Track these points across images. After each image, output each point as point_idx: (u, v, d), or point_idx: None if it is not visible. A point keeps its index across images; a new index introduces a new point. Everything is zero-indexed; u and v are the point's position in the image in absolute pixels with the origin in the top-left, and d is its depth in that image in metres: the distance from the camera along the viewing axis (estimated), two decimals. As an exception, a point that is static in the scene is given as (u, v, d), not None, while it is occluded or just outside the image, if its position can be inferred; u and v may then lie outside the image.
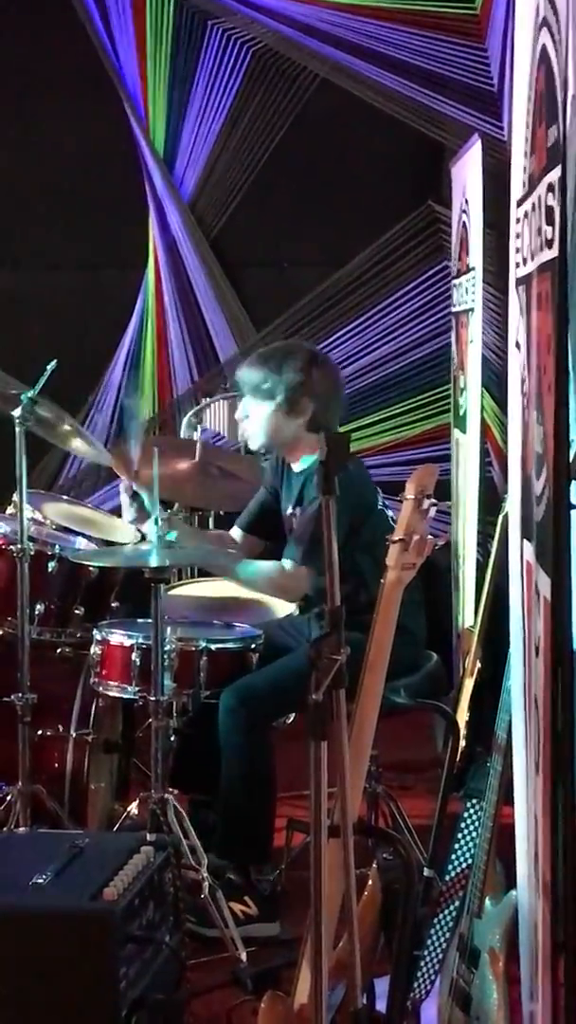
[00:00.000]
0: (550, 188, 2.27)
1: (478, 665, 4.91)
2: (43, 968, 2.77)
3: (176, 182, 6.39)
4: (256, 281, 6.43)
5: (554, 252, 2.22)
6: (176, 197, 6.37)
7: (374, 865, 2.67)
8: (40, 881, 2.88)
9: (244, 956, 3.57)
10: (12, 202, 6.34)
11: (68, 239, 6.37)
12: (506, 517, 4.89)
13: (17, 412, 3.80)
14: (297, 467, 4.13)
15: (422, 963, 3.12)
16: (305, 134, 6.27)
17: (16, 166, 6.34)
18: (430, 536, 2.57)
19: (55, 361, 3.88)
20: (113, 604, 4.43)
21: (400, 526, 2.54)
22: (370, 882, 2.66)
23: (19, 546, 3.82)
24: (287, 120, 6.28)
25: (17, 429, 3.81)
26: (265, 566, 4.05)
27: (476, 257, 5.37)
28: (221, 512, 5.29)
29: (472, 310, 5.39)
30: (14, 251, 6.39)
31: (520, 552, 2.79)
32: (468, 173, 5.59)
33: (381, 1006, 2.86)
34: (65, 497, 5.03)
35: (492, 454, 5.53)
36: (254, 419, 4.07)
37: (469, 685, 4.89)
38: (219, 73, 6.26)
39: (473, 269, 5.42)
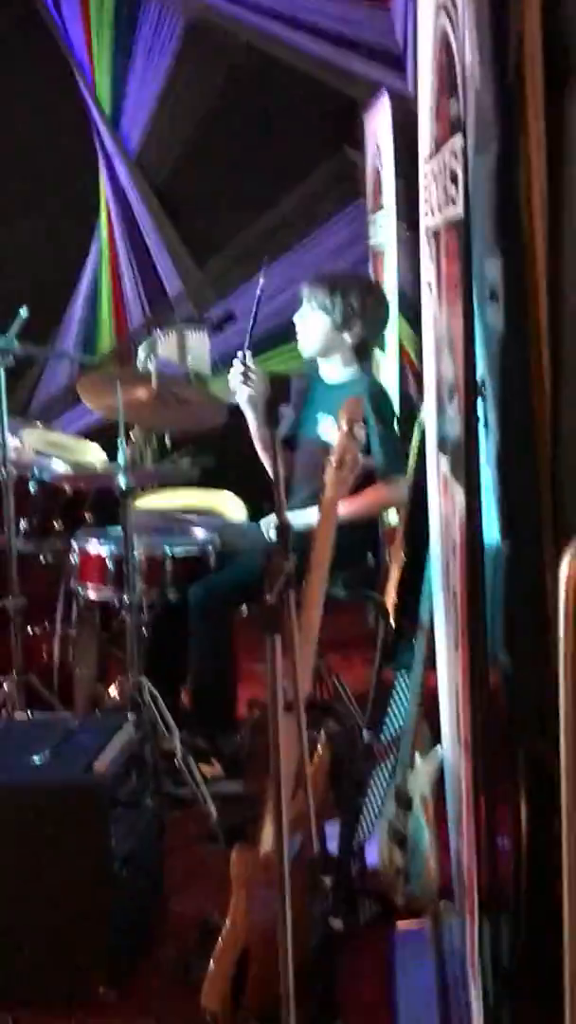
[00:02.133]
0: (453, 154, 2.30)
1: (402, 555, 5.00)
2: (45, 835, 2.84)
3: (123, 138, 6.30)
4: (197, 224, 6.38)
5: (459, 210, 2.25)
6: (123, 151, 6.29)
7: (322, 731, 2.75)
8: (38, 760, 2.95)
9: (214, 810, 3.68)
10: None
11: (27, 191, 6.27)
12: (423, 429, 4.97)
13: (-4, 354, 3.79)
14: (335, 380, 4.17)
15: (364, 811, 3.24)
16: (235, 92, 6.19)
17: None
18: (359, 455, 2.63)
19: (25, 308, 3.87)
20: (86, 517, 4.46)
21: (337, 451, 2.60)
22: (320, 747, 2.74)
23: (3, 472, 3.84)
24: (219, 80, 6.19)
25: (-1, 370, 3.81)
26: (369, 494, 4.00)
27: (388, 198, 5.38)
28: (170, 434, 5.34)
29: (385, 245, 5.42)
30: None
31: (437, 466, 2.85)
32: (378, 123, 5.58)
33: (331, 846, 2.97)
34: (39, 424, 5.04)
35: (409, 370, 5.56)
36: (311, 329, 4.11)
37: (395, 574, 4.97)
38: (156, 38, 6.16)
39: (384, 208, 5.43)
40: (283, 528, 2.41)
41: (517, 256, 2.30)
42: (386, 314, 4.21)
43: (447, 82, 2.43)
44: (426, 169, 2.86)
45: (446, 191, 2.43)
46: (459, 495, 2.40)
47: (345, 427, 2.55)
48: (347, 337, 4.09)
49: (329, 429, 4.04)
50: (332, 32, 6.08)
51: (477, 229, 2.25)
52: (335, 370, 4.17)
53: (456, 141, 2.26)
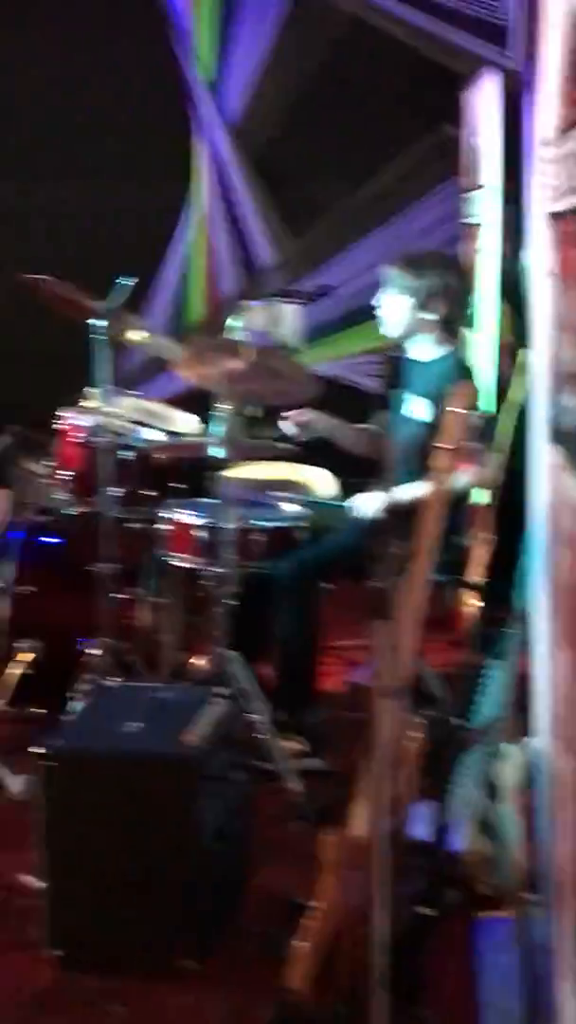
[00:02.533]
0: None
1: (492, 537, 4.94)
2: (137, 804, 2.85)
3: (222, 106, 6.26)
4: (292, 196, 6.33)
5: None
6: (221, 120, 6.25)
7: (419, 720, 2.71)
8: (132, 728, 2.95)
9: (296, 787, 3.67)
10: (71, 120, 6.22)
11: (124, 156, 6.26)
12: (521, 409, 4.90)
13: (100, 323, 3.77)
14: (425, 357, 4.12)
15: (453, 798, 3.21)
16: (337, 62, 6.12)
17: (74, 87, 6.20)
18: (473, 443, 2.59)
19: (133, 279, 3.85)
20: (179, 486, 4.45)
21: (450, 436, 2.56)
22: (415, 733, 2.70)
23: (101, 439, 3.83)
24: (321, 51, 6.11)
25: (100, 338, 3.79)
26: (463, 471, 3.86)
27: (488, 176, 5.29)
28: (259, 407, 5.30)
29: (482, 223, 5.33)
30: (72, 165, 6.28)
31: (546, 455, 2.79)
32: (480, 101, 5.48)
33: (418, 831, 2.93)
34: (133, 392, 5.02)
35: (505, 352, 5.47)
36: (393, 311, 4.07)
37: (482, 554, 4.92)
38: (261, 7, 6.10)
39: (483, 186, 5.34)
40: (394, 512, 2.38)
41: None
42: (469, 291, 4.13)
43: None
44: (548, 153, 2.79)
45: (573, 178, 2.36)
46: (573, 487, 2.35)
47: (460, 411, 2.51)
48: (429, 316, 4.04)
49: (418, 408, 4.00)
50: (437, 4, 5.98)
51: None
52: (422, 349, 4.12)
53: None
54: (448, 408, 2.54)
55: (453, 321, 4.09)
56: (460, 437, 2.53)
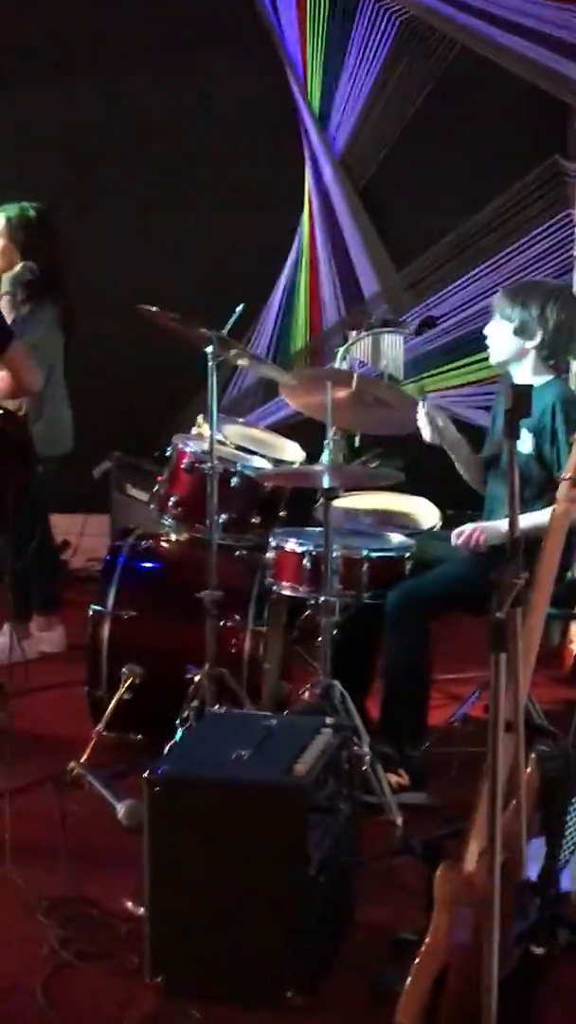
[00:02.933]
0: None
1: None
2: (244, 833, 2.82)
3: (329, 138, 6.30)
4: (397, 225, 6.35)
5: None
6: (329, 151, 6.30)
7: (533, 755, 2.67)
8: (241, 756, 2.94)
9: (399, 820, 3.64)
10: (184, 149, 6.32)
11: (234, 185, 6.32)
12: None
13: (210, 349, 3.80)
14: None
15: (565, 836, 3.16)
16: (445, 96, 6.13)
17: (192, 117, 6.31)
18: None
19: (243, 305, 3.88)
20: (282, 513, 4.46)
21: (571, 465, 2.53)
22: (529, 768, 2.67)
23: (209, 465, 3.85)
24: (429, 83, 6.14)
25: (210, 364, 3.81)
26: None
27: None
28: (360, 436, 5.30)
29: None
30: (185, 194, 6.36)
31: None
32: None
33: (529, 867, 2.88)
34: (240, 420, 5.06)
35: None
36: (496, 338, 4.12)
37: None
38: (370, 39, 6.14)
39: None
40: (515, 543, 2.35)
41: None
42: (572, 321, 4.08)
43: None
44: None
45: None
46: None
47: (579, 442, 2.48)
48: (528, 345, 4.02)
49: (524, 438, 3.96)
50: (547, 36, 5.98)
51: None
52: (525, 378, 4.10)
53: None
54: (574, 438, 2.52)
55: (553, 350, 4.05)
56: (583, 468, 2.50)
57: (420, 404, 4.17)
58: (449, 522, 4.48)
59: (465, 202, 6.22)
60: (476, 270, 6.24)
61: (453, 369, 6.29)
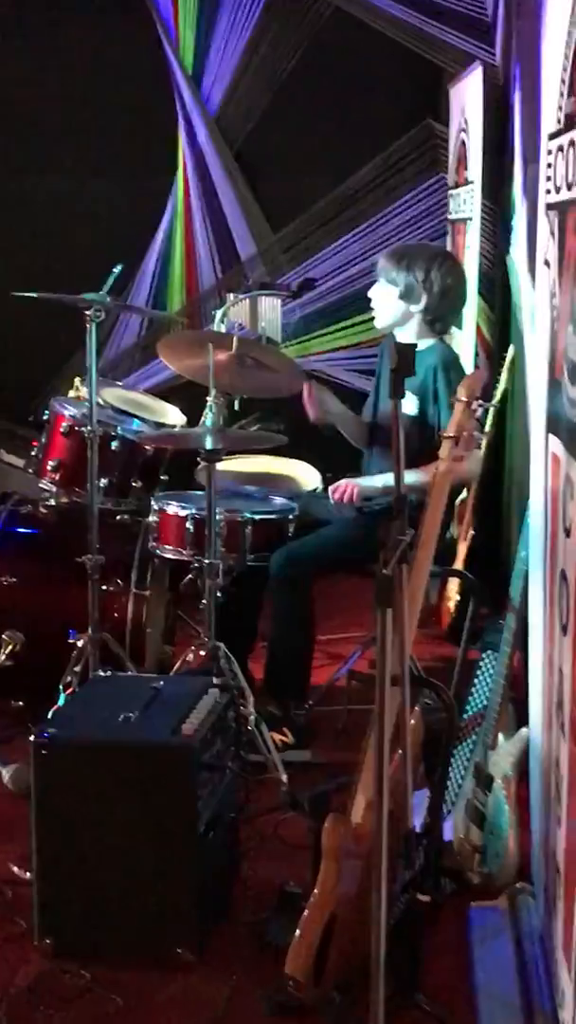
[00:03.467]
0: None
1: (471, 532, 5.00)
2: (132, 793, 2.84)
3: (203, 98, 6.27)
4: (273, 188, 6.35)
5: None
6: (203, 111, 6.25)
7: (417, 707, 2.74)
8: (129, 717, 2.96)
9: (284, 778, 3.70)
10: (57, 115, 6.22)
11: (105, 148, 6.26)
12: (498, 407, 4.95)
13: (89, 311, 3.78)
14: None
15: (447, 787, 3.25)
16: (318, 58, 6.14)
17: (61, 82, 6.21)
18: (475, 433, 2.62)
19: (121, 265, 3.86)
20: (163, 477, 4.46)
21: (452, 424, 2.58)
22: (414, 721, 2.73)
23: (89, 428, 3.83)
24: (302, 45, 6.14)
25: (89, 324, 3.79)
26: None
27: (475, 172, 5.33)
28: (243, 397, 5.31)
29: (470, 219, 5.37)
30: (59, 159, 6.28)
31: (545, 446, 2.83)
32: (468, 96, 5.52)
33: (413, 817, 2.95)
34: (119, 383, 5.03)
35: (480, 348, 5.53)
36: (380, 301, 4.13)
37: (463, 549, 4.98)
38: (242, 1, 6.11)
39: (472, 182, 5.38)
40: (400, 500, 2.40)
41: None
42: (460, 286, 4.16)
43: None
44: (551, 146, 2.82)
45: (582, 168, 2.40)
46: (577, 476, 2.38)
47: (464, 400, 2.53)
48: (414, 309, 4.07)
49: (407, 399, 4.03)
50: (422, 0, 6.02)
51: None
52: (409, 341, 4.15)
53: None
54: (456, 398, 2.57)
55: (438, 314, 4.11)
56: (465, 427, 2.56)
57: (306, 387, 4.20)
58: (330, 484, 4.54)
59: (340, 165, 6.25)
60: (352, 233, 6.28)
61: (331, 332, 6.34)
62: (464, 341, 5.38)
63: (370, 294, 4.19)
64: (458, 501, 5.08)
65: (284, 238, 6.34)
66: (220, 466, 4.56)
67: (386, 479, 4.01)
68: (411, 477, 3.67)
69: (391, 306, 4.10)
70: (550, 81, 2.84)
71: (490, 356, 5.47)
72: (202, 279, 6.40)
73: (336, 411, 4.25)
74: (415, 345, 2.32)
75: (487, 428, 4.92)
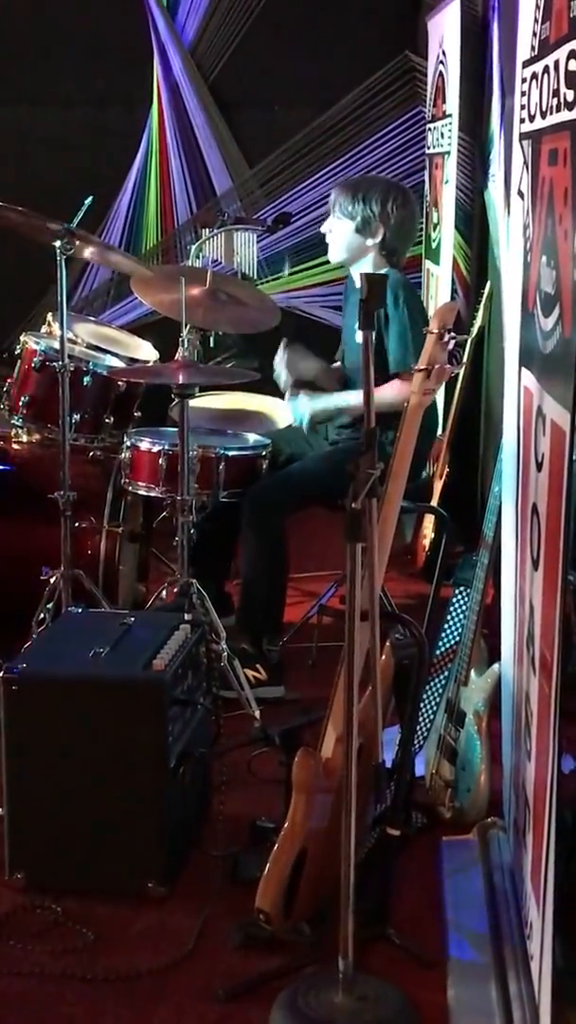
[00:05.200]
0: (572, 55, 2.21)
1: (446, 469, 4.98)
2: (104, 727, 2.83)
3: (178, 28, 6.15)
4: (249, 122, 6.27)
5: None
6: (178, 42, 6.15)
7: (388, 643, 2.73)
8: (99, 653, 2.94)
9: (257, 714, 3.69)
10: (28, 44, 6.10)
11: (80, 79, 6.15)
12: (473, 341, 4.91)
13: (58, 243, 3.71)
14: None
15: (418, 722, 3.24)
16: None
17: (31, 10, 6.08)
18: (447, 366, 2.58)
19: (91, 198, 3.79)
20: (136, 413, 4.41)
21: (423, 356, 2.54)
22: (384, 656, 2.72)
23: (60, 363, 3.77)
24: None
25: (59, 258, 3.72)
26: (389, 388, 3.79)
27: (453, 105, 5.25)
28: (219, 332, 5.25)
29: (448, 153, 5.30)
30: (31, 89, 6.16)
31: (518, 379, 2.80)
32: (446, 28, 5.42)
33: (383, 754, 2.95)
34: (92, 318, 4.96)
35: (458, 283, 5.47)
36: (336, 235, 4.09)
37: (439, 486, 4.95)
38: None
39: (450, 116, 5.29)
40: (370, 434, 2.37)
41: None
42: (414, 219, 4.11)
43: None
44: (525, 74, 2.76)
45: (558, 94, 2.34)
46: (550, 408, 2.35)
47: (435, 332, 2.49)
48: (369, 242, 4.03)
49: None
50: None
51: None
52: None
53: (577, 42, 2.17)
54: (428, 330, 2.53)
55: (393, 246, 4.06)
56: (436, 359, 2.51)
57: (279, 352, 4.19)
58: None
59: (318, 98, 6.18)
60: (329, 167, 6.20)
61: (307, 268, 6.27)
62: (441, 275, 5.33)
63: (324, 228, 4.15)
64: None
65: (260, 172, 6.26)
66: (194, 402, 4.54)
67: (336, 401, 4.03)
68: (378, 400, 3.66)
69: (347, 240, 4.06)
70: (525, 6, 2.78)
71: (467, 291, 5.42)
72: (178, 214, 6.32)
73: (311, 372, 4.21)
74: (385, 275, 2.27)
75: (464, 360, 4.89)
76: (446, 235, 5.27)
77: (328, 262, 5.31)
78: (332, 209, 4.09)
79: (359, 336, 3.93)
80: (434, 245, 5.57)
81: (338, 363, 4.38)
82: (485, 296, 4.85)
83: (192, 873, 2.96)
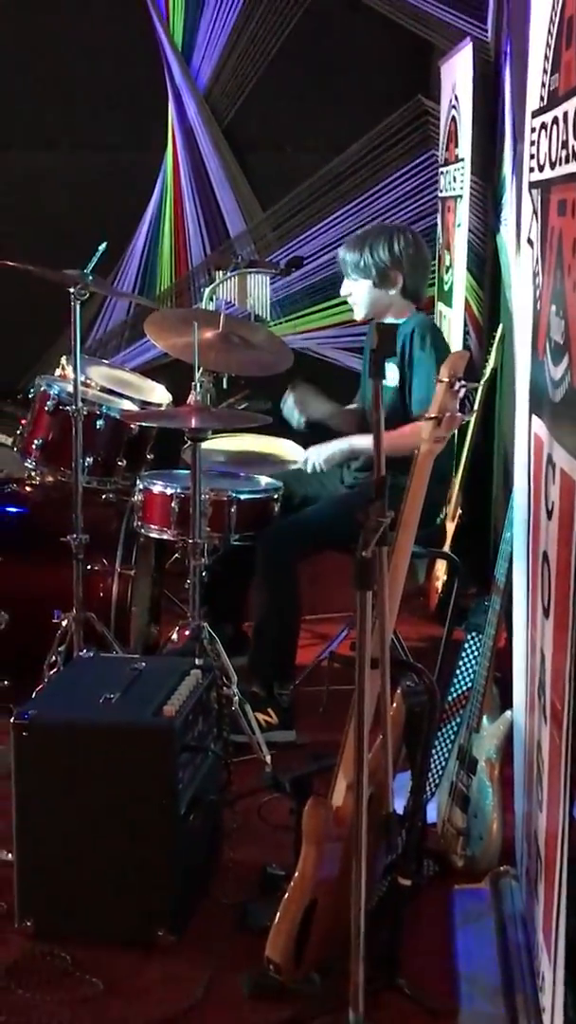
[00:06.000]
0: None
1: (459, 512, 4.97)
2: (113, 775, 2.82)
3: (193, 74, 6.21)
4: (263, 165, 6.30)
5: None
6: (193, 87, 6.20)
7: (399, 690, 2.72)
8: (110, 699, 2.93)
9: (268, 759, 3.68)
10: (45, 88, 6.17)
11: (96, 124, 6.21)
12: (486, 384, 4.92)
13: (72, 290, 3.74)
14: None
15: (430, 769, 3.22)
16: (308, 33, 6.09)
17: (51, 55, 6.15)
18: (458, 414, 2.59)
19: (105, 243, 3.82)
20: (149, 456, 4.43)
21: (435, 405, 2.55)
22: (395, 704, 2.71)
23: (74, 407, 3.79)
24: (293, 20, 6.08)
25: (73, 303, 3.75)
26: (409, 429, 3.74)
27: (465, 149, 5.28)
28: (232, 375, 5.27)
29: (460, 196, 5.32)
30: (48, 133, 6.22)
31: (528, 426, 2.80)
32: (458, 73, 5.46)
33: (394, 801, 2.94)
34: (105, 361, 4.99)
35: (470, 325, 5.49)
36: (356, 295, 4.12)
37: (451, 529, 4.94)
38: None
39: (462, 159, 5.33)
40: (381, 481, 2.37)
41: None
42: (423, 251, 4.13)
43: (575, 33, 2.34)
44: (534, 123, 2.78)
45: (566, 145, 2.36)
46: (560, 458, 2.35)
47: (446, 380, 2.50)
48: (392, 292, 4.06)
49: (391, 374, 4.00)
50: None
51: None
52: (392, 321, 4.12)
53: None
54: (439, 378, 2.54)
55: (415, 289, 4.08)
56: (447, 407, 2.52)
57: (287, 394, 4.21)
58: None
59: (331, 142, 6.21)
60: (343, 210, 6.24)
61: (321, 310, 6.30)
62: (454, 318, 5.34)
63: (343, 292, 4.18)
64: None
65: (274, 215, 6.29)
66: (206, 445, 4.55)
67: (350, 442, 4.06)
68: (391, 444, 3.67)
69: (369, 297, 4.09)
70: (535, 58, 2.80)
71: (480, 334, 5.43)
72: (192, 256, 6.35)
73: (321, 413, 4.24)
74: (396, 326, 2.28)
75: (475, 407, 4.89)
76: (458, 278, 5.28)
77: (341, 303, 5.36)
78: (344, 271, 4.11)
79: (388, 378, 3.97)
80: (447, 288, 5.59)
81: (355, 405, 4.39)
82: (497, 339, 4.86)
83: (202, 921, 2.95)
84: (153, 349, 5.74)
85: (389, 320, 4.09)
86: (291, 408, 4.27)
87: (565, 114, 2.38)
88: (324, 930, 2.64)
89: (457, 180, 5.40)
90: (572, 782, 2.24)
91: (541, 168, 2.68)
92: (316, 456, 4.06)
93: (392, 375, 3.96)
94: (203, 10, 6.13)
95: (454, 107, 5.52)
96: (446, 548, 4.81)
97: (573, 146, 2.29)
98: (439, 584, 5.01)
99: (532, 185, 2.81)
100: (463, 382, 2.53)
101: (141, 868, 2.83)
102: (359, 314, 4.18)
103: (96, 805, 2.83)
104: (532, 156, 2.81)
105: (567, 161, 2.35)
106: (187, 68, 6.18)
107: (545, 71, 2.68)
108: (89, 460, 4.12)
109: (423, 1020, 2.60)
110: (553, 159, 2.51)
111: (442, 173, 5.91)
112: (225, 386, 5.42)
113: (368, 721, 2.41)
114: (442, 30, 5.90)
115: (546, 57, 2.67)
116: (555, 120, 2.49)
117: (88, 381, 4.37)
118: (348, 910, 2.36)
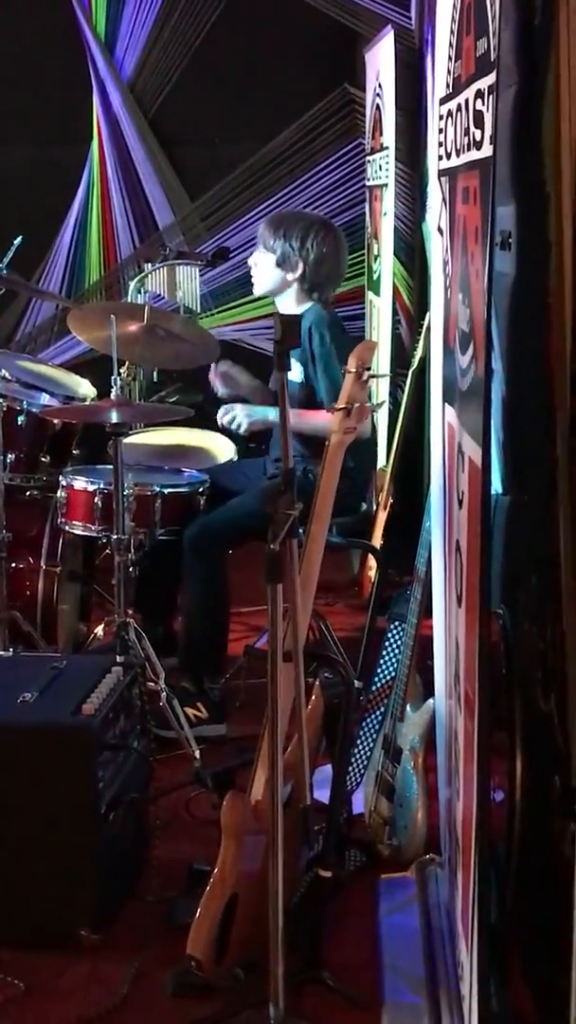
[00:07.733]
0: (479, 94, 2.22)
1: (390, 500, 4.98)
2: (32, 775, 2.79)
3: (117, 64, 6.16)
4: (190, 156, 6.27)
5: (484, 152, 2.18)
6: (117, 78, 6.15)
7: (317, 682, 2.71)
8: (27, 699, 2.91)
9: (198, 753, 3.66)
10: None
11: (19, 117, 6.15)
12: (415, 372, 4.93)
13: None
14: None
15: (353, 760, 3.23)
16: (234, 22, 6.06)
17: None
18: (367, 404, 2.58)
19: (21, 238, 3.78)
20: (74, 451, 4.40)
21: (343, 395, 2.54)
22: (314, 696, 2.71)
23: (-8, 403, 3.76)
24: (217, 8, 6.05)
25: (-10, 300, 3.72)
26: (322, 417, 3.65)
27: (389, 137, 5.28)
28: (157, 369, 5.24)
29: (386, 185, 5.32)
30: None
31: (442, 415, 2.80)
32: (381, 61, 5.46)
33: (318, 793, 2.94)
34: (27, 356, 4.95)
35: (401, 314, 5.50)
36: (259, 268, 4.11)
37: (382, 518, 4.95)
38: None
39: (387, 148, 5.33)
40: (288, 474, 2.36)
41: (535, 201, 2.25)
42: (337, 255, 4.09)
43: (476, 22, 2.34)
44: (442, 111, 2.78)
45: (468, 133, 2.36)
46: (468, 446, 2.36)
47: (353, 371, 2.49)
48: (290, 276, 4.04)
49: (294, 367, 3.99)
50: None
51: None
52: (289, 308, 4.10)
53: (485, 81, 2.18)
54: (346, 369, 2.53)
55: (315, 282, 4.04)
56: (356, 397, 2.52)
57: (213, 366, 4.17)
58: (246, 455, 4.50)
59: (258, 131, 6.18)
60: (271, 200, 6.22)
61: (252, 301, 6.28)
62: (383, 307, 5.34)
63: (250, 260, 4.17)
64: (378, 469, 5.07)
65: (202, 206, 6.27)
66: (135, 439, 4.53)
67: (271, 412, 4.01)
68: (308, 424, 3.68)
69: (268, 273, 4.08)
70: (441, 45, 2.80)
71: (411, 321, 5.45)
72: (120, 249, 6.31)
73: (248, 385, 4.22)
74: (300, 317, 2.27)
75: (405, 395, 4.91)
76: (386, 266, 5.29)
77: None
78: (257, 242, 4.11)
79: (290, 374, 3.96)
80: (375, 276, 5.59)
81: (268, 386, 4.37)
82: (425, 327, 4.87)
83: (127, 919, 2.93)
84: (81, 344, 5.70)
85: (284, 303, 4.09)
86: (216, 381, 4.24)
87: (467, 101, 2.38)
88: (247, 925, 2.63)
89: (383, 169, 5.40)
90: (485, 769, 2.25)
91: (448, 156, 2.68)
92: (242, 415, 4.01)
93: (295, 371, 3.96)
94: (125, 2, 6.08)
95: (378, 95, 5.52)
96: (377, 537, 4.82)
97: (473, 133, 2.29)
98: (372, 573, 5.01)
99: (441, 173, 2.81)
100: (370, 372, 2.53)
101: (63, 868, 2.81)
102: (257, 288, 4.18)
103: (15, 806, 2.81)
104: (440, 144, 2.81)
105: (468, 148, 2.35)
106: (111, 59, 6.14)
107: (450, 58, 2.68)
108: (11, 456, 4.09)
109: (347, 1011, 2.60)
110: (458, 147, 2.51)
111: (369, 162, 5.91)
112: (155, 379, 5.40)
113: (285, 715, 2.41)
114: (366, 18, 5.90)
115: (450, 44, 2.67)
116: (459, 107, 2.49)
117: (7, 376, 4.32)
118: (268, 905, 2.36)
